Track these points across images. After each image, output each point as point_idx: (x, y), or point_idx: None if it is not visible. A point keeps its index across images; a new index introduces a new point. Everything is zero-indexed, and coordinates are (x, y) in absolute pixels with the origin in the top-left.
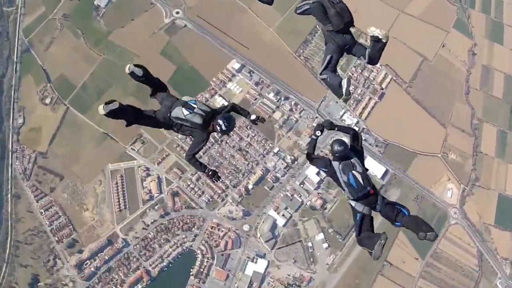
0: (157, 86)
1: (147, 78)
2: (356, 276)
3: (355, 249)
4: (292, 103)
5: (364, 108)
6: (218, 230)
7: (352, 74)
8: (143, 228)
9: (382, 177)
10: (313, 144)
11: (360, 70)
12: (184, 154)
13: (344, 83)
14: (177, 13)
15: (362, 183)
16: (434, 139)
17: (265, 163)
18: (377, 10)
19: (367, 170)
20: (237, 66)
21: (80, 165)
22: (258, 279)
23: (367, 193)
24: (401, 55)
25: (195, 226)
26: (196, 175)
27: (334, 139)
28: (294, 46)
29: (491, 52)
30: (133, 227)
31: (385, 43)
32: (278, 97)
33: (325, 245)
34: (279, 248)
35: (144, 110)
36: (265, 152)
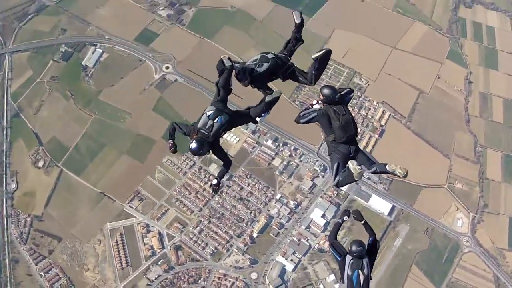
0: (227, 86)
1: (229, 74)
2: None
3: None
4: (291, 148)
5: (365, 147)
6: (225, 280)
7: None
8: (148, 284)
9: (389, 214)
10: (337, 228)
11: (357, 109)
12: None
13: (350, 164)
14: (167, 68)
15: (362, 284)
16: (438, 171)
17: (268, 210)
18: (369, 48)
19: (371, 278)
20: None
21: (78, 226)
22: None
23: None
24: (397, 90)
25: (201, 278)
26: (198, 227)
27: (355, 239)
28: (288, 91)
29: (487, 78)
30: (137, 284)
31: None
32: (277, 143)
33: (337, 285)
34: None
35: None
36: (267, 200)
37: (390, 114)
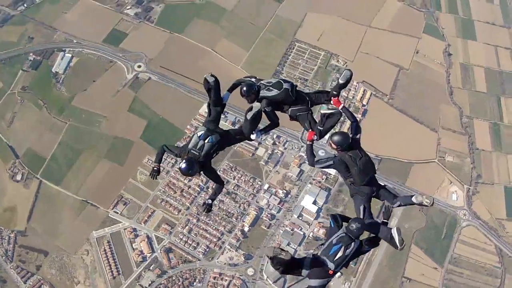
0: (218, 102)
1: (216, 89)
2: None
3: (369, 272)
4: (274, 136)
5: (349, 129)
6: (222, 279)
7: None
8: None
9: None
10: (347, 219)
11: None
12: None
13: (395, 233)
14: (139, 66)
15: (335, 258)
16: (427, 145)
17: (257, 202)
18: (343, 29)
19: (346, 265)
20: None
21: (63, 237)
22: None
23: (327, 268)
24: (377, 69)
25: (196, 280)
26: (187, 227)
27: (358, 217)
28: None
29: (466, 49)
30: None
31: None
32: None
33: (338, 274)
34: (290, 286)
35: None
36: (255, 191)
37: (371, 93)
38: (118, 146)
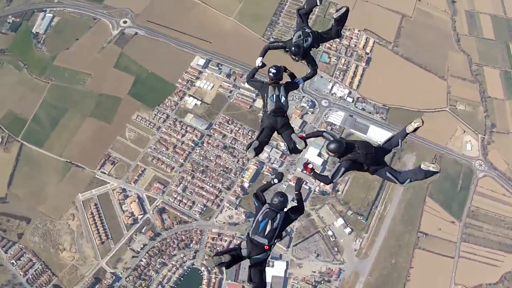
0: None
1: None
2: (391, 255)
3: (382, 227)
4: None
5: (353, 78)
6: (221, 240)
7: (331, 45)
8: (133, 256)
9: None
10: (267, 186)
11: (338, 40)
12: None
13: (427, 168)
14: (125, 22)
15: (265, 233)
16: (437, 94)
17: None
18: None
19: (280, 236)
20: (202, 62)
21: (47, 202)
22: (279, 284)
23: (262, 245)
24: (378, 17)
25: (193, 241)
26: (182, 185)
27: (279, 191)
28: (260, 30)
29: None
30: (121, 257)
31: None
32: None
33: (348, 230)
34: (296, 244)
35: None
36: None
37: (374, 41)
38: (104, 103)
